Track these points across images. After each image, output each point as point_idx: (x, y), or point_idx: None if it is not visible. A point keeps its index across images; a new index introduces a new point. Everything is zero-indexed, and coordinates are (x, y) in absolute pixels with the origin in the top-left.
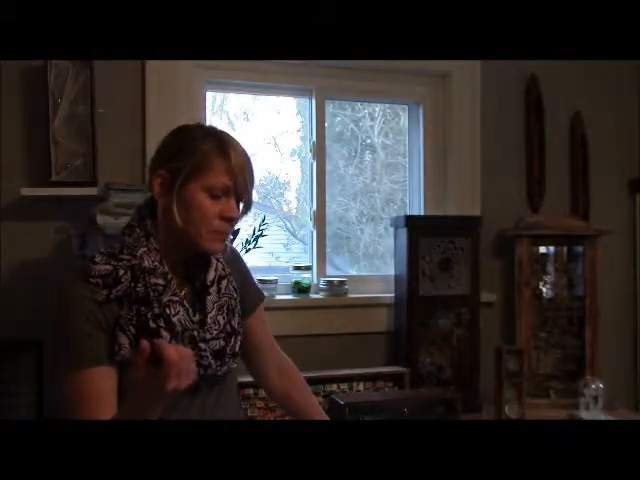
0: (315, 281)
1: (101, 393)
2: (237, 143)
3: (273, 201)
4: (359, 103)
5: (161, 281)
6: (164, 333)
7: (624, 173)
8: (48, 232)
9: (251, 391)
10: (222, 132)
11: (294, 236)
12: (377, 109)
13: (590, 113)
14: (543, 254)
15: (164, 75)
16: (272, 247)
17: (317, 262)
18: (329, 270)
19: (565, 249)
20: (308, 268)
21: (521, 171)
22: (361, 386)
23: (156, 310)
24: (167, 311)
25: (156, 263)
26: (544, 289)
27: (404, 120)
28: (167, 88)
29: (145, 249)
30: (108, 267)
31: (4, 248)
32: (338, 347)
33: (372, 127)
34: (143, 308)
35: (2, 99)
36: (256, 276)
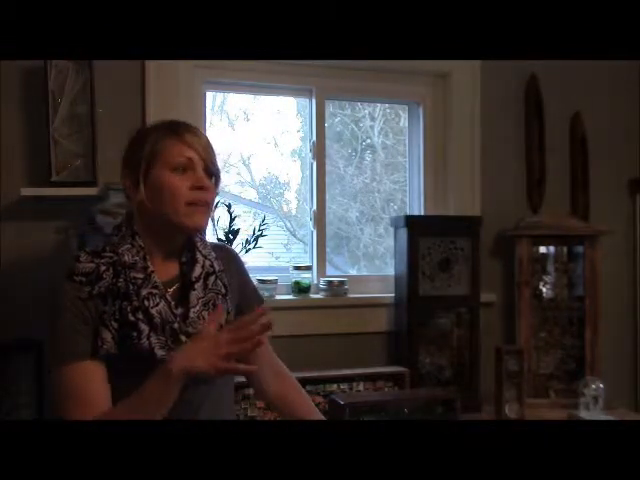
0: (315, 281)
1: (89, 387)
2: (190, 125)
3: (273, 201)
4: (359, 103)
5: (140, 275)
6: (142, 326)
7: (624, 173)
8: (48, 232)
9: (251, 391)
10: (173, 120)
11: (294, 236)
12: (377, 109)
13: (590, 113)
14: (543, 254)
15: (164, 75)
16: (272, 247)
17: (317, 262)
18: (329, 270)
19: (565, 249)
20: (308, 268)
21: (521, 171)
22: (361, 386)
23: (135, 303)
24: (145, 303)
25: (136, 258)
26: (544, 289)
27: (404, 120)
28: (167, 88)
29: (129, 246)
30: (91, 265)
31: (4, 248)
32: (338, 347)
33: (372, 127)
34: (124, 302)
35: (2, 99)
36: (256, 276)
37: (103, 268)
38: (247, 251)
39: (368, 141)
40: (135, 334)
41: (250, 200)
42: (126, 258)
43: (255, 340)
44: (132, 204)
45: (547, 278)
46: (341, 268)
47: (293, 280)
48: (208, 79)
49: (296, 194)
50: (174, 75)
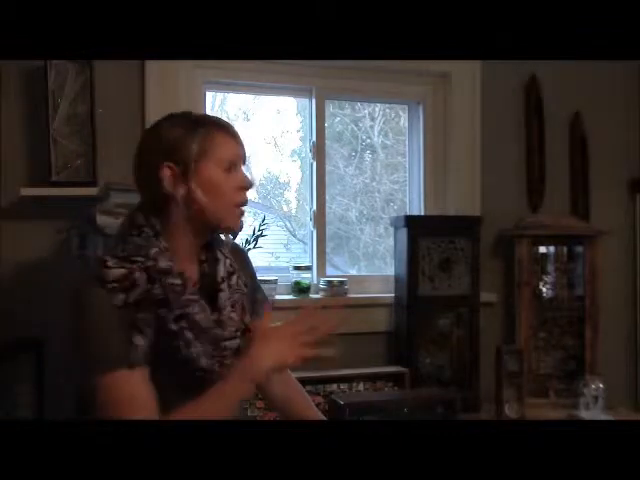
0: (315, 281)
1: (134, 394)
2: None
3: (273, 201)
4: (359, 103)
5: (178, 281)
6: (188, 334)
7: (624, 173)
8: (48, 232)
9: None
10: (207, 114)
11: (294, 236)
12: (377, 109)
13: (590, 113)
14: (543, 254)
15: (164, 75)
16: (272, 247)
17: (317, 262)
18: (329, 270)
19: (565, 249)
20: (308, 268)
21: (521, 171)
22: (361, 386)
23: (177, 311)
24: (188, 310)
25: (170, 263)
26: (544, 289)
27: (404, 120)
28: (167, 88)
29: (157, 249)
30: (122, 270)
31: (4, 248)
32: (338, 347)
33: (372, 127)
34: (163, 310)
35: (2, 99)
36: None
37: (137, 274)
38: (247, 251)
39: (368, 141)
40: (182, 343)
41: (250, 200)
42: (162, 264)
43: (329, 324)
44: (159, 197)
45: (547, 278)
46: (341, 268)
47: (293, 280)
48: (208, 79)
49: (296, 194)
50: (174, 75)
